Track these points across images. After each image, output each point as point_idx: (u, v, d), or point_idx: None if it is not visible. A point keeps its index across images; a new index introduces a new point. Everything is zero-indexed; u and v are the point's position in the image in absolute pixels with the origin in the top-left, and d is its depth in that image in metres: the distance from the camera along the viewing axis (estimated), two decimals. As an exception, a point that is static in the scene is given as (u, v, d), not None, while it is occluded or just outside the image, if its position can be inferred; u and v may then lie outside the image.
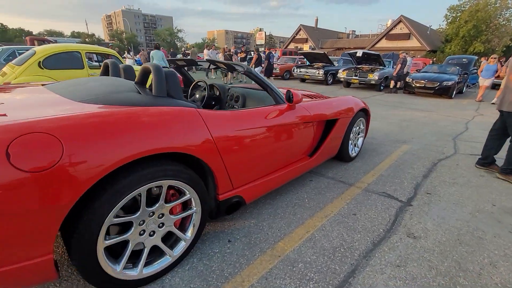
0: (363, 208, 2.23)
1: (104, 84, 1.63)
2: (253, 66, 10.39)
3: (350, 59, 12.78)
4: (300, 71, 12.78)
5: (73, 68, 5.49)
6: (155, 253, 1.46)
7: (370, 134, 4.52)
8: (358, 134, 3.37)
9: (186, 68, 3.23)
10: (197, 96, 2.92)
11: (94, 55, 6.00)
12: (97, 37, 74.82)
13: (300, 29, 39.26)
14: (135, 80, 1.74)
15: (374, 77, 10.30)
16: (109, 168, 1.07)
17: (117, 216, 1.20)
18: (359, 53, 10.76)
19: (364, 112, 3.30)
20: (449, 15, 27.67)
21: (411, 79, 9.88)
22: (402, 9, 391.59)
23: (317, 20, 41.41)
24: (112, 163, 1.08)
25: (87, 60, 5.65)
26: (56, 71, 5.26)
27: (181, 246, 1.53)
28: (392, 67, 11.50)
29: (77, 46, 5.59)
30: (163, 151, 1.22)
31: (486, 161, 3.14)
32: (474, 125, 5.47)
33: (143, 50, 21.54)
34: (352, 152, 3.25)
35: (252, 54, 14.79)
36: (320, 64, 12.91)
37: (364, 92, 10.41)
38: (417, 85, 9.60)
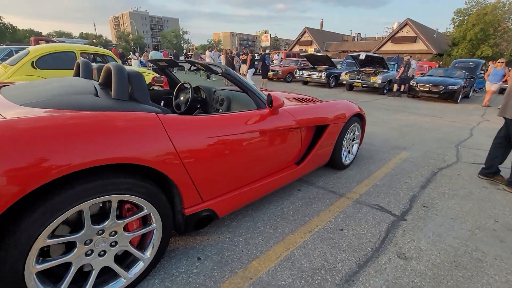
0: (352, 223, 2.06)
1: (61, 85, 1.50)
2: (247, 67, 10.52)
3: (354, 61, 12.58)
4: (302, 74, 12.61)
5: (67, 69, 5.41)
6: (108, 274, 1.31)
7: (368, 139, 4.33)
8: (353, 140, 3.19)
9: (177, 69, 3.10)
10: (182, 98, 2.78)
11: (93, 56, 5.91)
12: (104, 38, 75.79)
13: (305, 32, 39.10)
14: (99, 81, 1.60)
15: (377, 80, 10.07)
16: (32, 185, 0.92)
17: (54, 236, 1.06)
18: (362, 55, 10.56)
19: (359, 118, 3.12)
20: (456, 19, 27.23)
21: (415, 83, 9.63)
22: (409, 12, 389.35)
23: (322, 22, 41.22)
24: (34, 179, 0.92)
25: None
26: (49, 71, 5.19)
27: (139, 267, 1.37)
28: (396, 70, 11.26)
29: (71, 46, 5.53)
30: (106, 162, 1.07)
31: (489, 171, 2.93)
32: (479, 132, 5.23)
33: (146, 51, 21.73)
34: (346, 159, 3.07)
35: (257, 56, 14.82)
36: (323, 66, 12.74)
37: (367, 95, 10.19)
38: (422, 89, 9.34)
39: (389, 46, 30.21)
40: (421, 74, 12.38)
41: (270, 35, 40.03)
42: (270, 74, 14.17)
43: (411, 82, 9.82)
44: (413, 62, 10.24)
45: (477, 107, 8.50)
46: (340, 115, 2.69)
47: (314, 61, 13.03)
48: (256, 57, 22.82)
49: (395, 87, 10.25)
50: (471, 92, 10.78)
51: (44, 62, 5.18)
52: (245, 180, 1.84)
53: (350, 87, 11.43)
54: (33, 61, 5.06)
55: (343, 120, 2.73)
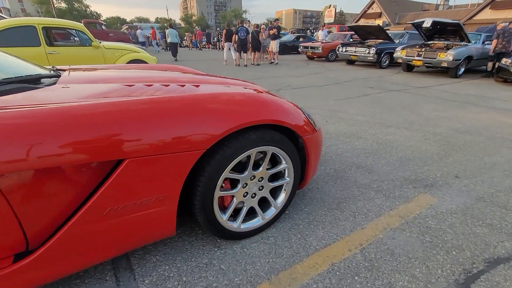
0: None
1: None
2: (224, 41, 9.99)
3: (421, 33, 9.45)
4: (345, 51, 10.16)
5: (28, 46, 4.81)
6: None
7: (372, 157, 2.48)
8: (274, 181, 1.53)
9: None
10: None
11: (72, 31, 5.24)
12: (173, 21, 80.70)
13: (373, 2, 33.49)
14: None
15: (446, 57, 7.17)
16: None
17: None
18: (428, 22, 7.61)
19: (290, 134, 1.45)
20: None
21: (509, 61, 6.48)
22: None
23: (396, -11, 34.60)
24: None
25: (44, 36, 4.88)
26: (9, 49, 4.64)
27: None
28: (484, 44, 7.98)
29: (32, 20, 4.86)
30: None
31: None
32: None
33: (188, 33, 23.53)
34: (246, 224, 1.46)
35: (287, 33, 13.09)
36: (375, 41, 10.00)
37: (430, 78, 7.42)
38: (520, 69, 6.21)
39: (487, 14, 23.37)
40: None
41: (335, 9, 35.83)
42: (309, 52, 12.02)
43: (503, 60, 6.67)
44: None
45: None
46: (189, 133, 1.09)
47: (364, 33, 10.31)
48: (308, 33, 20.31)
49: (490, 65, 7.40)
50: None
51: (3, 38, 4.63)
52: None
53: (408, 67, 8.64)
54: (-10, 38, 4.56)
55: (205, 143, 1.13)
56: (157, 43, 18.95)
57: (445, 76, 7.72)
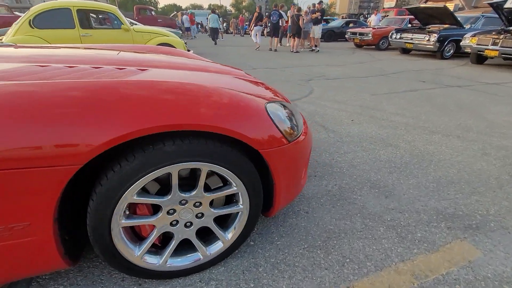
0: None
1: None
2: (253, 24, 9.73)
3: (501, 16, 7.68)
4: (399, 37, 8.83)
5: (64, 28, 4.99)
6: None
7: (405, 172, 1.87)
8: (225, 206, 1.11)
9: None
10: None
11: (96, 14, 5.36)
12: (225, 7, 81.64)
13: (445, -18, 29.00)
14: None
15: (534, 46, 5.66)
16: None
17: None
18: (510, 3, 6.06)
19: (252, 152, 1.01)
20: None
21: None
22: None
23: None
24: None
25: (78, 19, 5.01)
26: (46, 31, 4.87)
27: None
28: None
29: (67, 2, 4.99)
30: None
31: None
32: None
33: (234, 18, 24.08)
34: (167, 263, 1.07)
35: (336, 18, 12.37)
36: (441, 26, 8.46)
37: (507, 73, 5.98)
38: None
39: None
40: None
41: (397, -9, 32.29)
42: (357, 39, 10.82)
43: None
44: None
45: None
46: (57, 140, 0.73)
47: (425, 17, 8.81)
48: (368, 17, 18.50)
49: None
50: None
51: (41, 21, 4.85)
52: None
53: (479, 59, 7.13)
54: (30, 20, 4.80)
55: (76, 158, 0.75)
56: (195, 29, 19.27)
57: (529, 71, 6.16)
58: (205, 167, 0.92)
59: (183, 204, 0.97)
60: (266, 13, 9.96)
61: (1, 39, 5.05)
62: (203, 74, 1.41)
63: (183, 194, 0.95)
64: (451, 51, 8.07)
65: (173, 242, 1.02)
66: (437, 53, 8.07)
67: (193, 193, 0.96)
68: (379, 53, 9.68)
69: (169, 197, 0.93)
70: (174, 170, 0.88)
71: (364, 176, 1.88)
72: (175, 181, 0.91)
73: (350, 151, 2.25)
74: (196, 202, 0.99)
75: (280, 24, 10.58)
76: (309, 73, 5.65)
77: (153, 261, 1.01)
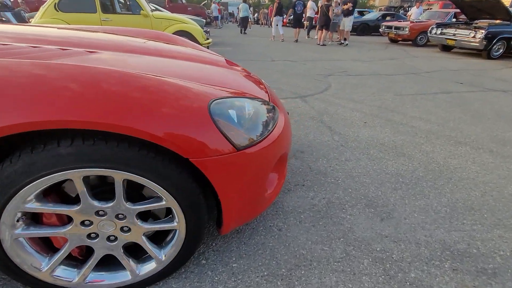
0: None
1: None
2: (273, 15, 9.64)
3: None
4: (440, 33, 7.97)
5: (86, 12, 5.06)
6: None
7: (415, 190, 1.57)
8: (158, 221, 0.92)
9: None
10: None
11: None
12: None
13: (504, -27, 25.88)
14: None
15: None
16: None
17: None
18: None
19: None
20: None
21: None
22: None
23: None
24: None
25: (100, 3, 5.06)
26: (69, 14, 4.98)
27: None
28: None
29: (90, -14, 5.04)
30: None
31: None
32: None
33: (263, 8, 23.98)
34: (86, 279, 0.91)
35: (372, 10, 11.62)
36: (492, 22, 7.49)
37: None
38: None
39: None
40: None
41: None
42: (392, 33, 10.00)
43: None
44: None
45: None
46: None
47: (473, 11, 7.83)
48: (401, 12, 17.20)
49: None
50: None
51: (65, 4, 4.97)
52: None
53: (533, 60, 6.20)
54: (55, 3, 4.93)
55: None
56: (221, 19, 19.22)
57: None
58: (118, 176, 0.74)
59: (102, 216, 0.81)
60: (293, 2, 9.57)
61: (30, 21, 5.27)
62: (170, 61, 1.22)
63: (98, 205, 0.78)
64: (501, 51, 7.13)
65: (93, 256, 0.86)
66: (483, 52, 7.16)
67: (111, 204, 0.79)
68: (415, 49, 8.85)
69: (79, 206, 0.77)
70: (76, 176, 0.70)
71: (362, 190, 1.60)
72: (80, 188, 0.74)
73: (353, 159, 1.96)
74: (119, 214, 0.82)
75: (310, 15, 10.17)
76: (331, 68, 5.25)
77: (68, 276, 0.86)
